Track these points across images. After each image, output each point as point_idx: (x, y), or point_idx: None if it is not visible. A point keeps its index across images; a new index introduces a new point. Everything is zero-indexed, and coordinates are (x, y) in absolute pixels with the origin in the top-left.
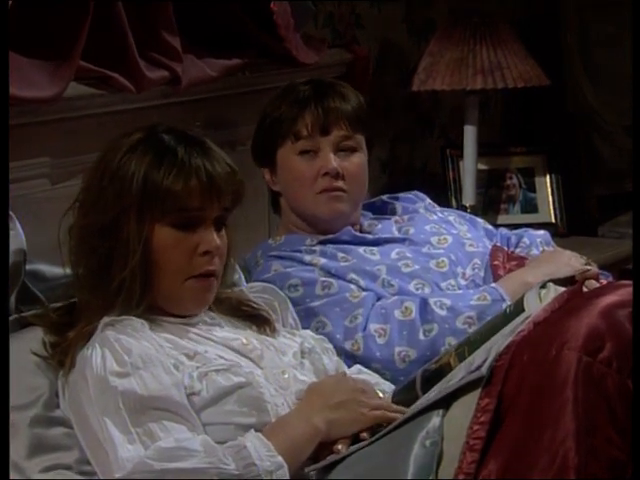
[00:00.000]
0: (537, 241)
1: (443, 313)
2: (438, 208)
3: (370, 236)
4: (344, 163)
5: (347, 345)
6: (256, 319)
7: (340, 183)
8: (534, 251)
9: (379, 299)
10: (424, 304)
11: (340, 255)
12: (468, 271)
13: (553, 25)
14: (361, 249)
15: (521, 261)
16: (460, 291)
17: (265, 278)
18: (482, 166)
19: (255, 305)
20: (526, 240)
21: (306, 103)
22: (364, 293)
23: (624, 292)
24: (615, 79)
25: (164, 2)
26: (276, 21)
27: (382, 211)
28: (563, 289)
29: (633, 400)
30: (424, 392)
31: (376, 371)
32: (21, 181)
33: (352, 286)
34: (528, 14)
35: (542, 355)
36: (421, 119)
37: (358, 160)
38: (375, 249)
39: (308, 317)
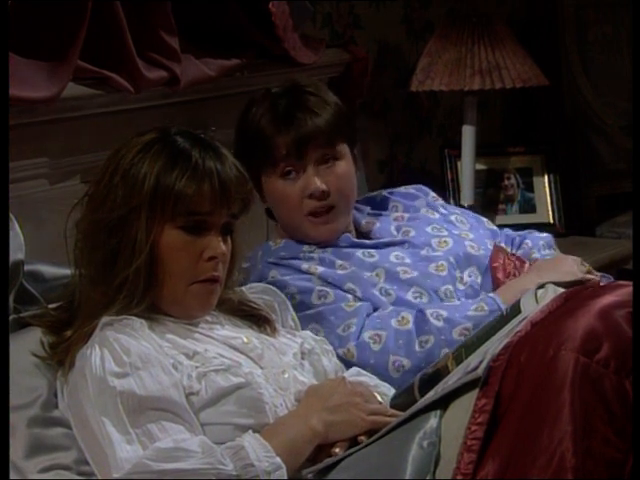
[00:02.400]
0: (540, 244)
1: (439, 324)
2: (441, 202)
3: (368, 242)
4: (328, 177)
5: (340, 352)
6: (257, 319)
7: (327, 201)
8: (536, 254)
9: (375, 309)
10: (421, 315)
11: (338, 263)
12: (465, 277)
13: (551, 25)
14: (359, 252)
15: (519, 263)
16: (457, 302)
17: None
18: (480, 166)
19: (255, 305)
20: (529, 242)
21: (278, 126)
22: (359, 303)
23: (622, 292)
24: (614, 79)
25: (163, 2)
26: (274, 21)
27: (382, 207)
28: (561, 290)
29: (633, 400)
30: (422, 395)
31: None
32: (20, 181)
33: (348, 296)
34: (526, 14)
35: (539, 355)
36: (419, 119)
37: (342, 170)
38: (374, 251)
39: (302, 323)
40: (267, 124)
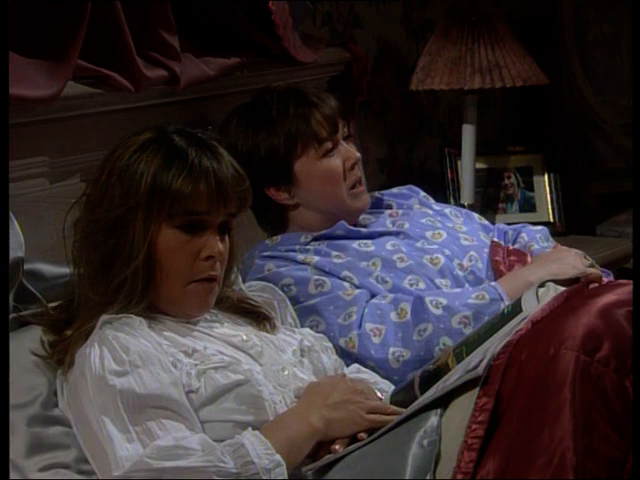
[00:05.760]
0: (537, 237)
1: (438, 312)
2: (432, 201)
3: (364, 230)
4: (352, 149)
5: (342, 342)
6: (256, 316)
7: (359, 171)
8: (535, 246)
9: (373, 296)
10: (420, 302)
11: (334, 253)
12: (465, 262)
13: (551, 24)
14: (355, 243)
15: (520, 256)
16: (458, 289)
17: (259, 277)
18: (480, 165)
19: (255, 303)
20: (525, 236)
21: (309, 107)
22: (357, 291)
23: (622, 291)
24: (613, 78)
25: (162, 1)
26: (274, 20)
27: (376, 206)
28: (563, 288)
29: (633, 399)
30: (422, 393)
31: (371, 369)
32: (19, 180)
33: (345, 284)
34: (526, 13)
35: (540, 354)
36: (419, 118)
37: (353, 143)
38: (369, 242)
39: (302, 316)
40: (297, 110)
